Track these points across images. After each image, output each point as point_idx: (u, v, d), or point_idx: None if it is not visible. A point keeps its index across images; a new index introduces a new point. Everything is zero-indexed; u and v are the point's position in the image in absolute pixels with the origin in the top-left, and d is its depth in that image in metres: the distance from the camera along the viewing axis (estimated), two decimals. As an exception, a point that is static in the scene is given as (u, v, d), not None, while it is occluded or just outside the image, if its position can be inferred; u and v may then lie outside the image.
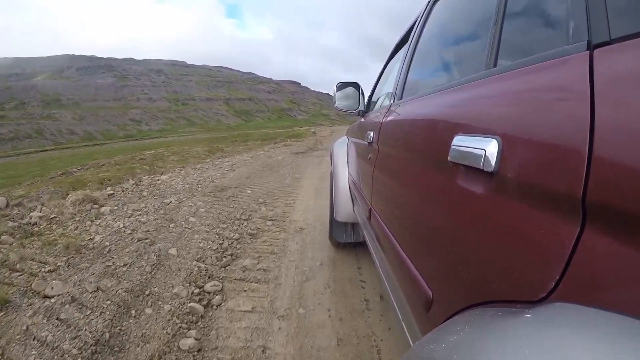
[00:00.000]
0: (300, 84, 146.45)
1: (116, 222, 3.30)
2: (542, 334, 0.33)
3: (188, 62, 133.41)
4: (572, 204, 0.36)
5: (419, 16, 1.43)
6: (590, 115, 0.34)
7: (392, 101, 1.49)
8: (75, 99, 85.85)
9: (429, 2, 1.32)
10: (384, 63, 2.25)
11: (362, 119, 2.22)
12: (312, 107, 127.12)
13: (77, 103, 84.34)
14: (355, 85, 2.25)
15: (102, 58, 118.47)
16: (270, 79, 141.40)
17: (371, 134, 1.58)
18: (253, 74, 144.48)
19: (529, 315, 0.38)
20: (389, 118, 1.34)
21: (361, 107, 2.24)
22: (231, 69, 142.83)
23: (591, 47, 0.38)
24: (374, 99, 2.28)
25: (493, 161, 0.49)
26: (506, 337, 0.38)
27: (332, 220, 2.62)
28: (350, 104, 2.26)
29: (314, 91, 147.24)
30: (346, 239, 2.57)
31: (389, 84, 1.77)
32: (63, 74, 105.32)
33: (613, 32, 0.36)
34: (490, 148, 0.49)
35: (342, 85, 2.29)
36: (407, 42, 1.53)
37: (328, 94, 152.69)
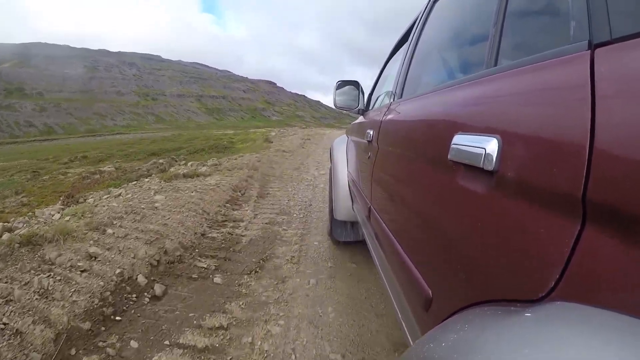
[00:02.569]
0: (276, 84, 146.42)
1: None
2: (541, 332, 0.33)
3: (163, 57, 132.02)
4: (572, 203, 0.36)
5: (419, 15, 1.44)
6: (591, 115, 0.34)
7: (392, 100, 1.50)
8: (39, 89, 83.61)
9: (429, 0, 1.33)
10: (380, 64, 2.32)
11: (362, 118, 2.23)
12: (287, 108, 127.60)
13: (41, 93, 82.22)
14: (355, 84, 2.24)
15: (74, 48, 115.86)
16: (246, 77, 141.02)
17: (371, 133, 1.59)
18: (229, 72, 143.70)
19: (528, 314, 0.38)
20: (389, 116, 1.34)
21: (361, 106, 2.23)
22: (207, 66, 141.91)
23: (592, 46, 0.38)
24: (373, 97, 2.26)
25: (493, 160, 0.49)
26: (506, 336, 0.38)
27: (332, 219, 2.62)
28: (350, 102, 2.24)
29: (290, 92, 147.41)
30: (346, 238, 2.57)
31: (389, 83, 1.76)
32: (31, 62, 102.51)
33: (614, 31, 0.36)
34: (490, 147, 0.49)
35: (342, 84, 2.28)
36: (407, 40, 1.55)
37: (304, 95, 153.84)
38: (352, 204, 2.31)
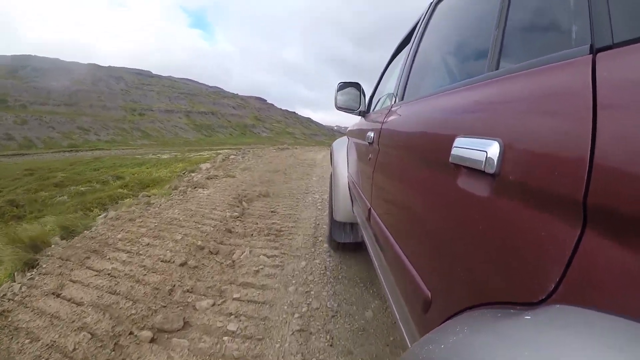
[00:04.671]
0: (266, 100, 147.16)
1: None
2: (541, 336, 0.33)
3: (154, 72, 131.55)
4: (573, 207, 0.36)
5: (421, 17, 1.45)
6: (592, 119, 0.34)
7: (393, 102, 1.50)
8: (23, 101, 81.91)
9: (431, 2, 1.34)
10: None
11: (363, 119, 2.23)
12: (278, 125, 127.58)
13: (25, 106, 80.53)
14: (357, 86, 2.25)
15: (64, 61, 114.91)
16: (237, 94, 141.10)
17: (372, 135, 1.59)
18: (219, 88, 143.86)
19: (528, 317, 0.38)
20: (390, 119, 1.34)
21: (362, 108, 2.24)
22: (197, 82, 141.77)
23: (594, 50, 0.38)
24: (375, 99, 2.27)
25: (494, 163, 0.49)
26: (505, 339, 0.38)
27: (331, 221, 2.63)
28: (351, 103, 2.26)
29: (280, 108, 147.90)
30: (345, 239, 2.58)
31: (390, 85, 1.77)
32: (17, 73, 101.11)
33: (616, 36, 0.36)
34: (491, 150, 0.50)
35: (343, 85, 2.28)
36: (409, 42, 1.55)
37: (294, 112, 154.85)
38: (352, 206, 2.29)
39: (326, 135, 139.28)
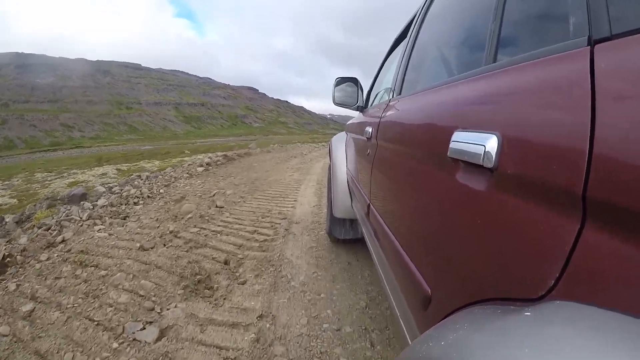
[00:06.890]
0: (258, 90, 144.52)
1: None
2: (541, 332, 0.33)
3: (143, 65, 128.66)
4: (572, 201, 0.36)
5: (418, 11, 1.43)
6: (591, 111, 0.34)
7: (391, 96, 1.48)
8: (4, 99, 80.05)
9: None
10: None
11: (361, 115, 2.20)
12: (269, 114, 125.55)
13: (7, 104, 78.63)
14: (354, 81, 2.25)
15: (51, 57, 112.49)
16: (228, 84, 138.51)
17: (370, 130, 1.58)
18: (210, 79, 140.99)
19: (528, 313, 0.38)
20: (388, 113, 1.33)
21: (360, 103, 2.22)
22: (187, 74, 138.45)
23: (592, 42, 0.38)
24: (372, 94, 2.21)
25: (493, 157, 0.49)
26: (505, 335, 0.38)
27: (331, 217, 2.61)
28: (349, 99, 2.24)
29: (272, 98, 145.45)
30: (345, 235, 2.57)
31: (387, 79, 1.75)
32: (1, 72, 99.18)
33: (614, 27, 0.36)
34: (490, 144, 0.49)
35: (341, 81, 2.27)
36: (406, 36, 1.53)
37: (287, 101, 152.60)
38: (351, 202, 2.29)
39: (319, 124, 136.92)
